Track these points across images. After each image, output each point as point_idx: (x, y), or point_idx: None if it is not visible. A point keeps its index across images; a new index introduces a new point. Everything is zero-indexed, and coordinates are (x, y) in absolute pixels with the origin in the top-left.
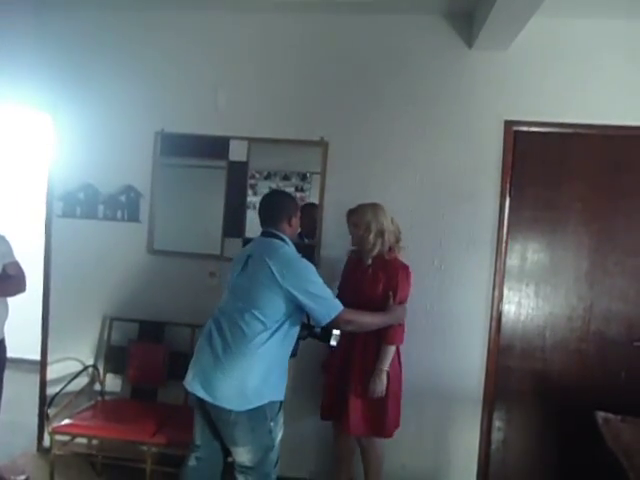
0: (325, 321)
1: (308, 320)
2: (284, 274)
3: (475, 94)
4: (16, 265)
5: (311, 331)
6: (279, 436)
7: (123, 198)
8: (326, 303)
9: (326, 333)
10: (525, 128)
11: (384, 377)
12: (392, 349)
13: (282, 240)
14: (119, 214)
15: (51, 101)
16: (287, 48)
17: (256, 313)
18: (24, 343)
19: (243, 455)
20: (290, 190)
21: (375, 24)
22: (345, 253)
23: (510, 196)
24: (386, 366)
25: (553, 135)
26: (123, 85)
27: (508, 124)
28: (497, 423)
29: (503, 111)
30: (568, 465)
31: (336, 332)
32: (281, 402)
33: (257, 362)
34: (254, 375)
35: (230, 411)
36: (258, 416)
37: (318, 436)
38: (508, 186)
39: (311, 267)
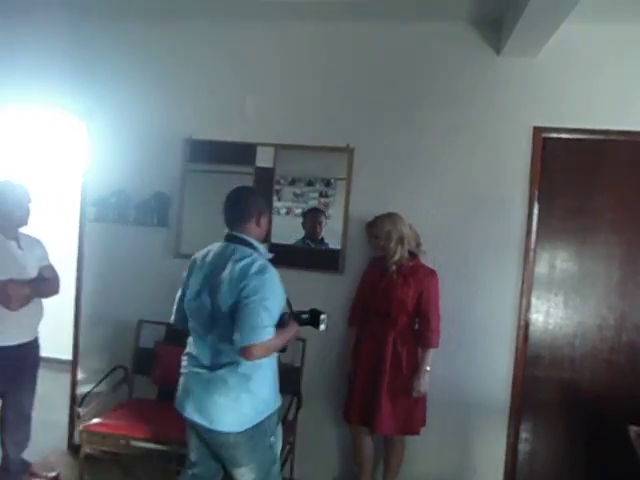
0: (239, 343)
1: (290, 307)
2: (252, 288)
3: (503, 101)
4: (51, 268)
5: (297, 318)
6: (279, 447)
7: (153, 203)
8: (258, 328)
9: (314, 318)
10: (554, 135)
11: (427, 377)
12: (432, 351)
13: (251, 246)
14: (149, 219)
15: (86, 108)
16: (314, 55)
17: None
18: (55, 343)
19: (246, 475)
20: (314, 196)
21: (401, 32)
22: (368, 259)
23: (539, 204)
24: (429, 367)
25: (583, 142)
26: (153, 93)
27: (537, 130)
28: (524, 434)
29: (532, 118)
30: (598, 479)
31: (323, 316)
32: (277, 410)
33: (251, 380)
34: (250, 393)
35: (228, 434)
36: (259, 433)
37: (340, 441)
38: (536, 193)
39: (278, 287)
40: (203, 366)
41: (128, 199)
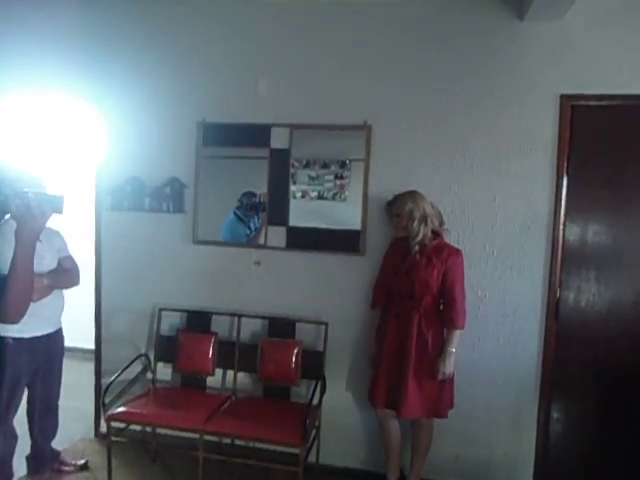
0: None
1: None
2: None
3: (528, 69)
4: (70, 259)
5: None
6: None
7: (168, 190)
8: None
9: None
10: (583, 102)
11: (453, 359)
12: (458, 332)
13: None
14: (164, 206)
15: (97, 93)
16: (328, 31)
17: None
18: (79, 332)
19: None
20: (329, 178)
21: (418, 1)
22: (390, 239)
23: (568, 176)
24: (454, 348)
25: (615, 108)
26: (165, 77)
27: (565, 98)
28: (555, 414)
29: (559, 85)
30: (634, 460)
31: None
32: None
33: None
34: None
35: None
36: None
37: (366, 425)
38: (565, 165)
39: None
40: None
41: (143, 186)
